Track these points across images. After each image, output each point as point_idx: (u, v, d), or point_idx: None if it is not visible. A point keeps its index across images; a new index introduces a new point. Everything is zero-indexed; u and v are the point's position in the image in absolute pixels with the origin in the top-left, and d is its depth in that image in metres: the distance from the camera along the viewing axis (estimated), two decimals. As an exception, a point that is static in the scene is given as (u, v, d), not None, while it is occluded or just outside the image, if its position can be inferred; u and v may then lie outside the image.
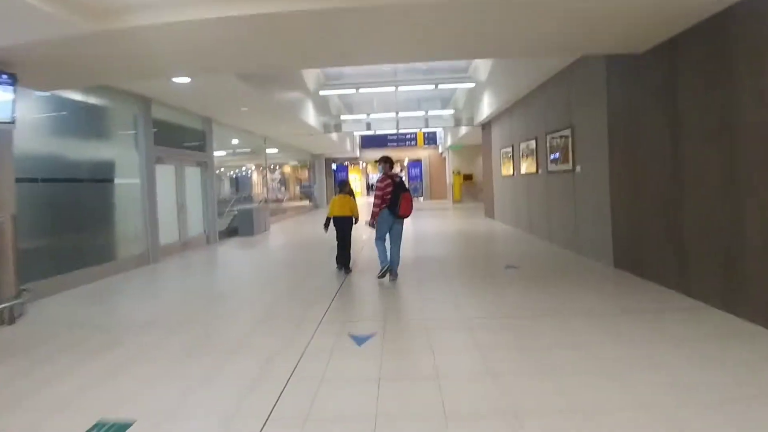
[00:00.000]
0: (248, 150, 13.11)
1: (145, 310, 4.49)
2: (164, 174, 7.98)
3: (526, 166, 8.30)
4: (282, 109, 9.14)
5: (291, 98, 9.51)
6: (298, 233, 11.50)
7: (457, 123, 12.97)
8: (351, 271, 5.69)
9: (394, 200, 4.90)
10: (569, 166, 6.36)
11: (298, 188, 19.52)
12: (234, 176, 12.62)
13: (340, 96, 14.32)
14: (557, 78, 6.64)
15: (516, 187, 9.21)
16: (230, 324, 3.80)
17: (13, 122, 4.23)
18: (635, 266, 4.78)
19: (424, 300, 4.30)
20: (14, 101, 4.24)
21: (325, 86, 11.30)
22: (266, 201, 14.30)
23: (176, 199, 8.36)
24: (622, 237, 5.04)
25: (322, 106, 12.79)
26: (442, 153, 22.16)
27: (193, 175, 9.07)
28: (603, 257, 5.46)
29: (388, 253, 5.04)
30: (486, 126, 11.79)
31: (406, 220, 5.24)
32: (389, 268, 4.96)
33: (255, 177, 13.88)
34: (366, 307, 4.30)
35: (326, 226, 5.78)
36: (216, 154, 10.38)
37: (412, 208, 5.07)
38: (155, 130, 7.48)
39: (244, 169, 13.27)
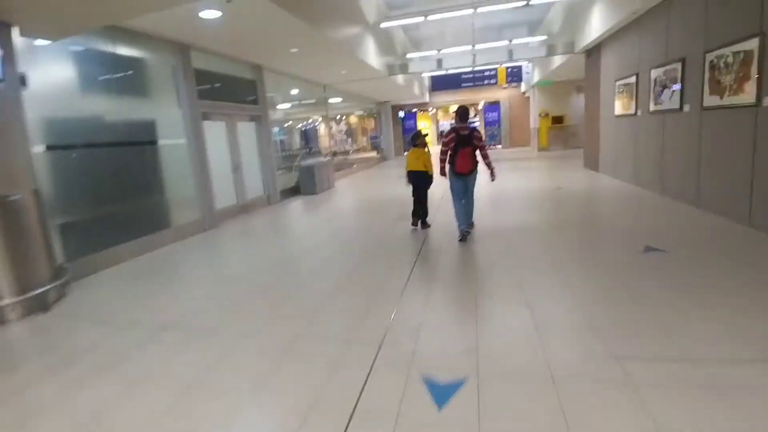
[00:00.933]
0: (310, 101, 11.98)
1: (198, 291, 3.82)
2: (214, 132, 7.14)
3: (662, 102, 6.13)
4: (338, 47, 7.69)
5: (347, 34, 7.97)
6: (366, 189, 10.40)
7: (551, 52, 10.52)
8: (429, 226, 5.43)
9: (453, 156, 4.63)
10: (750, 98, 4.27)
11: (365, 139, 18.32)
12: (298, 129, 11.67)
13: (405, 30, 12.40)
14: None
15: (639, 129, 7.04)
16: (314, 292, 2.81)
17: (18, 82, 3.58)
18: None
19: (535, 323, 2.61)
20: (2, 57, 3.44)
21: (387, 18, 9.53)
22: (333, 154, 13.35)
23: (230, 158, 7.57)
24: None
25: (386, 43, 11.05)
26: (525, 92, 19.25)
27: (247, 131, 8.18)
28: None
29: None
30: (592, 52, 9.31)
31: (482, 175, 4.88)
32: (467, 230, 4.77)
33: (320, 129, 12.85)
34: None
35: (408, 180, 5.39)
36: (275, 106, 9.40)
37: (471, 164, 4.66)
38: (199, 83, 6.57)
39: (308, 121, 12.24)
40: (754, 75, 4.20)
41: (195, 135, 6.43)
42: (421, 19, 9.17)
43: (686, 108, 5.50)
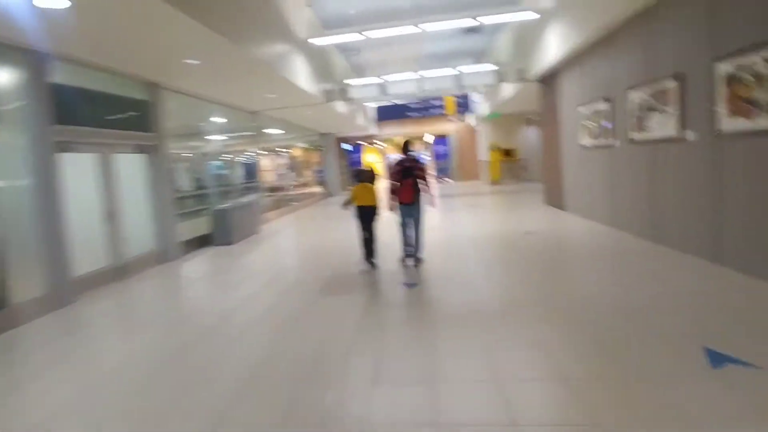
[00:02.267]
0: (238, 131, 10.15)
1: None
2: (78, 167, 5.15)
3: (650, 128, 5.05)
4: (256, 64, 6.10)
5: (271, 50, 6.43)
6: (300, 234, 8.66)
7: (502, 79, 9.63)
8: (376, 267, 5.00)
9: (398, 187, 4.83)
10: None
11: (308, 174, 16.64)
12: (227, 163, 9.69)
13: (346, 54, 11.16)
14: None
15: (617, 162, 5.95)
16: None
17: None
18: None
19: None
20: None
21: (320, 34, 8.15)
22: (272, 190, 11.59)
23: (103, 203, 5.52)
24: None
25: (323, 68, 9.67)
26: (474, 125, 18.70)
27: (132, 165, 6.18)
28: None
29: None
30: (549, 79, 8.44)
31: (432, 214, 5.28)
32: (411, 255, 4.99)
33: (256, 163, 10.99)
34: None
35: (346, 205, 5.14)
36: (194, 135, 7.49)
37: (412, 195, 4.83)
38: (62, 102, 4.68)
39: (238, 154, 10.32)
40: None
41: (44, 172, 4.45)
42: (358, 36, 7.85)
43: (690, 135, 4.38)
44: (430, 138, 19.95)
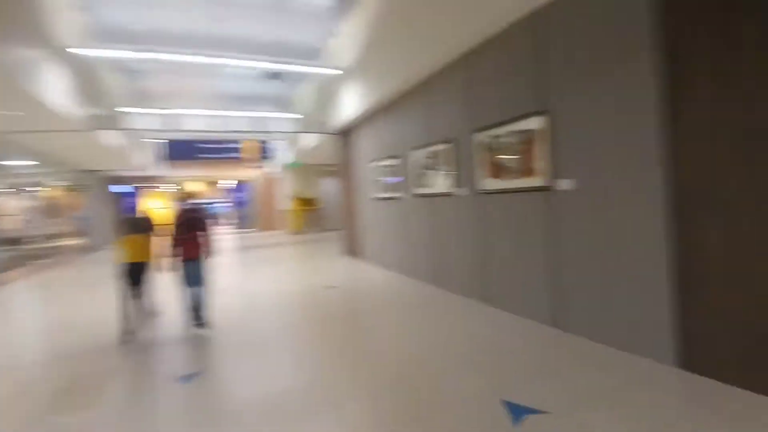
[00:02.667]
0: None
1: None
2: None
3: (430, 185, 5.60)
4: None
5: (7, 51, 4.55)
6: (51, 306, 6.07)
7: (304, 129, 9.65)
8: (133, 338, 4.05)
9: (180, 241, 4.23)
10: (538, 179, 3.83)
11: (67, 221, 12.61)
12: None
13: (128, 76, 9.24)
14: (519, 28, 4.16)
15: (406, 214, 6.42)
16: None
17: None
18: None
19: None
20: None
21: (89, 44, 6.43)
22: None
23: None
24: (709, 322, 2.64)
25: (91, 90, 7.66)
26: (275, 173, 18.29)
27: None
28: (646, 350, 3.00)
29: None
30: (347, 133, 8.84)
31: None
32: (197, 321, 4.24)
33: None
34: None
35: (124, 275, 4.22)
36: None
37: (196, 250, 4.23)
38: None
39: None
40: (542, 156, 3.80)
41: None
42: (136, 54, 6.52)
43: (461, 191, 4.98)
44: (227, 184, 18.49)
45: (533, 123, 3.86)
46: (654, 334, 2.96)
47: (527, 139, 3.93)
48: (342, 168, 9.31)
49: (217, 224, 29.97)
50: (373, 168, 7.44)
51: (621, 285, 3.19)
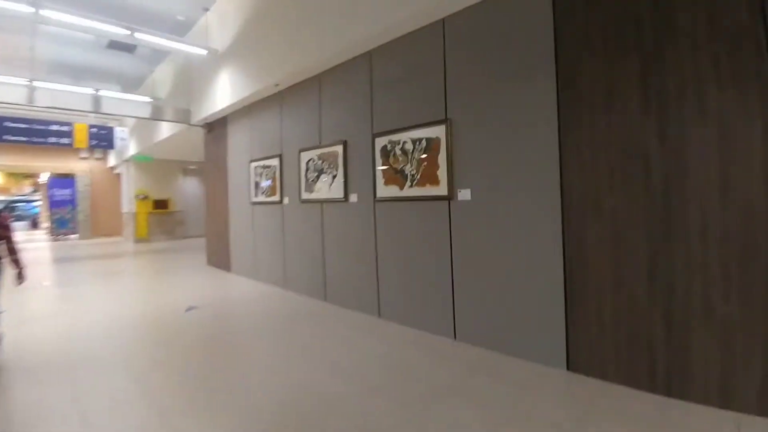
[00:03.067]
0: None
1: None
2: None
3: (318, 190, 5.11)
4: None
5: None
6: None
7: (158, 116, 8.12)
8: None
9: None
10: (439, 188, 3.73)
11: None
12: None
13: None
14: (428, 32, 4.01)
15: (291, 221, 5.79)
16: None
17: None
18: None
19: None
20: None
21: None
22: None
23: None
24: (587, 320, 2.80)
25: None
26: (116, 167, 15.25)
27: None
28: (540, 356, 3.08)
29: None
30: (217, 127, 7.73)
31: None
32: None
33: None
34: None
35: None
36: None
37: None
38: None
39: None
40: (442, 165, 3.72)
41: None
42: None
43: (353, 198, 4.65)
44: (44, 177, 14.80)
45: (435, 131, 3.77)
46: (548, 339, 3.06)
47: (429, 147, 3.83)
48: (209, 166, 8.10)
49: (32, 227, 23.39)
50: (251, 168, 6.60)
51: (516, 293, 3.24)
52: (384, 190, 4.26)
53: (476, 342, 3.52)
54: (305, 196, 5.36)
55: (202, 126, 7.98)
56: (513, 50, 3.23)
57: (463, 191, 3.60)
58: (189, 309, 4.91)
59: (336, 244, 4.92)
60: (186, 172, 14.77)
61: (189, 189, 14.84)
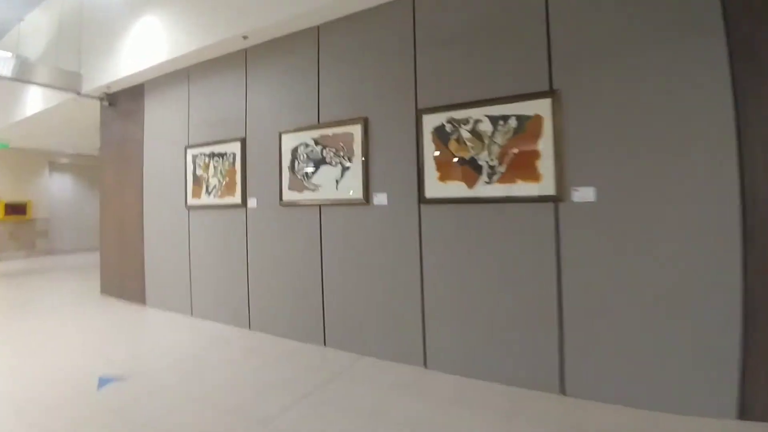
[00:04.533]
0: None
1: None
2: None
3: (316, 187, 3.58)
4: None
5: None
6: None
7: (25, 77, 5.53)
8: None
9: None
10: (542, 185, 2.62)
11: None
12: None
13: None
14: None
15: (256, 232, 4.08)
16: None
17: None
18: None
19: None
20: None
21: None
22: None
23: None
24: None
25: None
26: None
27: None
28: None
29: None
30: (127, 101, 5.49)
31: None
32: None
33: None
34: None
35: None
36: None
37: None
38: None
39: None
40: (547, 153, 2.61)
41: None
42: None
43: (379, 199, 3.26)
44: None
45: (533, 107, 2.66)
46: (714, 384, 2.14)
47: (522, 128, 2.69)
48: (108, 155, 5.77)
49: None
50: (187, 158, 4.66)
51: (664, 331, 2.28)
52: (439, 188, 2.98)
53: (608, 399, 2.45)
54: (290, 196, 3.77)
55: (98, 98, 5.65)
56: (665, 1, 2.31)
57: (581, 190, 2.54)
58: (104, 383, 2.94)
59: (346, 264, 3.45)
60: (55, 166, 11.28)
61: (58, 190, 11.35)
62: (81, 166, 11.96)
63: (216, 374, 3.04)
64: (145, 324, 4.44)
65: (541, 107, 2.64)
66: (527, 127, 2.68)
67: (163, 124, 4.96)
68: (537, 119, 2.65)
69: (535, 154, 2.66)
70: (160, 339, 3.89)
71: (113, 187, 5.65)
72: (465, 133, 2.90)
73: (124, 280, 5.45)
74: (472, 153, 2.88)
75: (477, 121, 2.85)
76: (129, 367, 3.19)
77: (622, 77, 2.45)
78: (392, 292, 3.22)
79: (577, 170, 2.56)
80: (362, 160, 3.32)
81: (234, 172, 4.19)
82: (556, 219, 2.62)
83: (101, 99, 5.64)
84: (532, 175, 2.66)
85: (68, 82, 5.46)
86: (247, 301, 4.11)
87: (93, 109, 5.99)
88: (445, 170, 2.98)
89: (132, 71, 4.88)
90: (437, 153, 3.01)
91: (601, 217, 2.50)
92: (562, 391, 2.59)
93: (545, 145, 2.63)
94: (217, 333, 4.01)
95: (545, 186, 2.62)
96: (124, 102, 5.46)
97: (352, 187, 3.38)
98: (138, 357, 3.37)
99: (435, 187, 3.00)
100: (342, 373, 3.03)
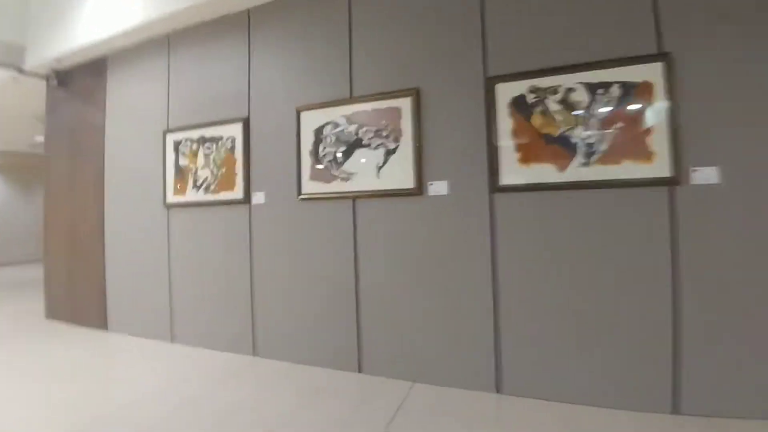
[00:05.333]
0: None
1: None
2: None
3: (350, 175, 2.92)
4: None
5: None
6: None
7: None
8: None
9: None
10: (649, 166, 2.18)
11: None
12: None
13: None
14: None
15: (260, 234, 3.32)
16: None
17: None
18: None
19: None
20: None
21: None
22: None
23: None
24: None
25: None
26: None
27: None
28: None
29: None
30: (77, 76, 4.47)
31: None
32: None
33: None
34: None
35: None
36: None
37: None
38: None
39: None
40: (660, 128, 2.18)
41: None
42: None
43: (437, 188, 2.68)
44: None
45: (639, 72, 2.23)
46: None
47: (627, 97, 2.25)
48: (56, 145, 4.69)
49: None
50: (168, 145, 3.80)
51: None
52: (519, 173, 2.46)
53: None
54: (313, 188, 3.07)
55: (44, 76, 4.59)
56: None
57: (702, 171, 2.13)
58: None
59: (391, 271, 2.81)
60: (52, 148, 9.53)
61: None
62: (11, 166, 10.26)
63: (246, 427, 2.28)
64: (112, 357, 3.49)
65: (650, 72, 2.21)
66: (634, 95, 2.24)
67: (132, 105, 4.05)
68: (646, 87, 2.22)
69: (644, 131, 2.22)
70: (139, 378, 2.98)
71: (63, 185, 4.59)
72: (553, 105, 2.41)
73: (78, 300, 4.38)
74: (562, 129, 2.39)
75: (569, 90, 2.38)
76: (105, 416, 2.33)
77: (747, 37, 2.08)
78: (455, 306, 2.63)
79: (696, 147, 2.15)
80: (413, 141, 2.74)
81: (233, 160, 3.42)
82: (671, 206, 2.19)
83: (48, 78, 4.59)
84: (643, 154, 2.22)
85: (6, 56, 4.37)
86: (250, 321, 3.32)
87: (34, 93, 4.89)
88: (527, 150, 2.47)
89: (92, 40, 3.95)
90: (516, 129, 2.49)
91: (729, 203, 2.10)
92: (676, 410, 2.14)
93: (656, 117, 2.20)
94: (216, 364, 3.18)
95: (658, 166, 2.19)
96: (80, 80, 4.45)
97: (398, 175, 2.78)
98: (112, 412, 2.49)
99: (514, 171, 2.48)
100: (404, 406, 2.38)
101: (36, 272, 6.92)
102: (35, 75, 4.55)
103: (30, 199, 10.69)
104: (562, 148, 2.38)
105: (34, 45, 4.42)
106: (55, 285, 4.62)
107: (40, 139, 4.79)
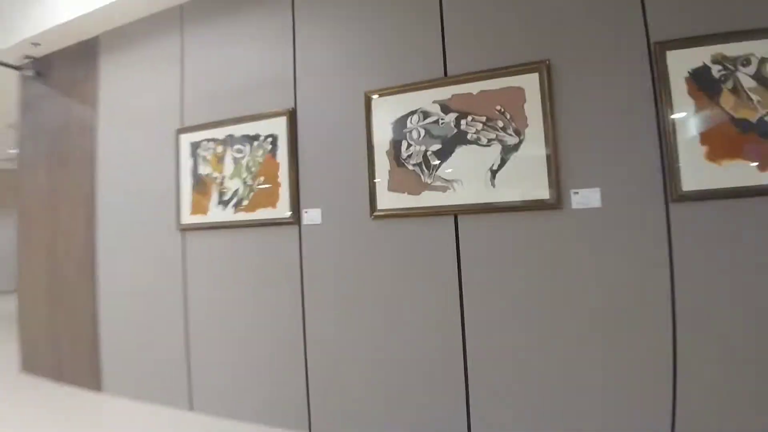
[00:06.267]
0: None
1: None
2: None
3: (453, 185, 2.12)
4: None
5: None
6: None
7: None
8: None
9: None
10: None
11: None
12: None
13: None
14: None
15: (313, 263, 2.49)
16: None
17: None
18: None
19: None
20: None
21: None
22: None
23: None
24: None
25: None
26: None
27: None
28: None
29: None
30: (58, 66, 3.59)
31: None
32: None
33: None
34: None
35: None
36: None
37: None
38: None
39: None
40: None
41: None
42: None
43: (582, 198, 1.91)
44: None
45: None
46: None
47: None
48: (35, 154, 3.77)
49: None
50: (183, 149, 2.95)
51: None
52: (708, 173, 1.71)
53: None
54: (393, 202, 2.26)
55: (17, 67, 3.70)
56: None
57: None
58: None
59: (516, 312, 2.02)
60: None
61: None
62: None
63: None
64: None
65: None
66: None
67: (133, 98, 3.18)
68: None
69: None
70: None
71: (41, 203, 3.66)
72: (747, 80, 1.69)
73: (63, 349, 3.45)
74: (761, 113, 1.67)
75: (764, 61, 1.66)
76: None
77: None
78: (620, 353, 1.86)
79: None
80: (546, 134, 1.97)
81: (274, 166, 2.59)
82: None
83: (22, 68, 3.69)
84: None
85: (-38, 40, 3.46)
86: (305, 384, 2.48)
87: (3, 91, 3.99)
88: (718, 142, 1.73)
89: (78, 14, 3.09)
90: (699, 113, 1.75)
91: None
92: None
93: None
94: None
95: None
96: (63, 69, 3.56)
97: (524, 181, 2.00)
98: None
99: (701, 171, 1.73)
100: None
101: (11, 305, 5.91)
102: (5, 65, 3.64)
103: (4, 221, 9.52)
104: (762, 138, 1.65)
105: (2, 25, 3.52)
106: (33, 329, 3.67)
107: (16, 151, 3.87)
